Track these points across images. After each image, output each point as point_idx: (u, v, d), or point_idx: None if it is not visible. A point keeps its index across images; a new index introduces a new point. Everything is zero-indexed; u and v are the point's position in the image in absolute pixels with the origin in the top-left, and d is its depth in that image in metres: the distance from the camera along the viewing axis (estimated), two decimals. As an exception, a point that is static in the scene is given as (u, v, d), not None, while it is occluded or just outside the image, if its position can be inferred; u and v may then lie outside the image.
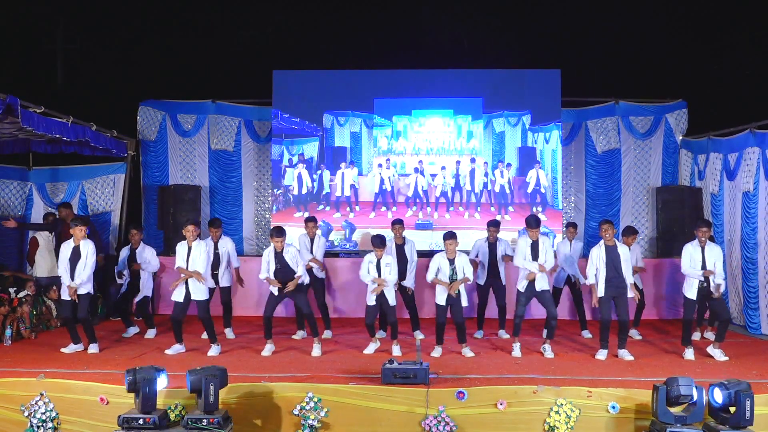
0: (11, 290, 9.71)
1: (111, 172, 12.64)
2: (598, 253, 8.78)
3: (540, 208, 12.86)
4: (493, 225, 10.14)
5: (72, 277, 8.85)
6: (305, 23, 13.09)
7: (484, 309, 10.33)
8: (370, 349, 8.97)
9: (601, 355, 8.64)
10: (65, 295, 8.92)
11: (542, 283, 8.87)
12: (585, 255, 10.14)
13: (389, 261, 9.00)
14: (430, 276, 8.94)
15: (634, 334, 10.03)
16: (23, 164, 12.40)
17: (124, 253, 10.29)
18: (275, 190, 13.20)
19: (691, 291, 8.76)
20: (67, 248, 8.96)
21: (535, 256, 8.86)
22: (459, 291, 8.73)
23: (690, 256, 8.74)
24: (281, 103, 13.09)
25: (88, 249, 8.92)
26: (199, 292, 8.80)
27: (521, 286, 8.95)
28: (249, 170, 13.82)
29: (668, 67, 12.82)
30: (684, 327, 8.83)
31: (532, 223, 8.92)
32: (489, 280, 10.04)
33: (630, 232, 9.95)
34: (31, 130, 9.12)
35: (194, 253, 8.77)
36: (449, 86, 13.15)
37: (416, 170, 13.14)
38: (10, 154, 11.38)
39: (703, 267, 8.64)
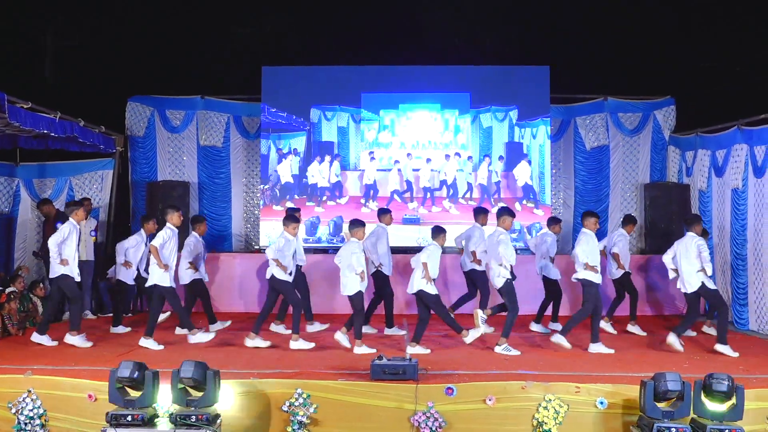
0: None
1: (99, 168, 12.55)
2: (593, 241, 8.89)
3: (527, 203, 12.89)
4: (482, 212, 9.97)
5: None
6: (294, 19, 13.05)
7: (466, 301, 10.12)
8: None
9: (595, 348, 8.68)
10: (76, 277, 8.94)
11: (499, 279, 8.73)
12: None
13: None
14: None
15: (637, 330, 10.04)
16: (10, 160, 12.30)
17: (142, 242, 10.16)
18: (263, 186, 13.16)
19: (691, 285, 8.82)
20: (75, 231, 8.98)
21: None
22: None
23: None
24: (270, 98, 13.05)
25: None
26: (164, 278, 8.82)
27: (497, 282, 8.76)
28: (238, 166, 13.79)
29: (657, 64, 12.86)
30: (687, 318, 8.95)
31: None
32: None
33: (629, 221, 10.20)
34: (18, 126, 9.04)
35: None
36: (437, 81, 13.13)
37: (397, 162, 13.11)
38: (-4, 149, 11.32)
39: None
